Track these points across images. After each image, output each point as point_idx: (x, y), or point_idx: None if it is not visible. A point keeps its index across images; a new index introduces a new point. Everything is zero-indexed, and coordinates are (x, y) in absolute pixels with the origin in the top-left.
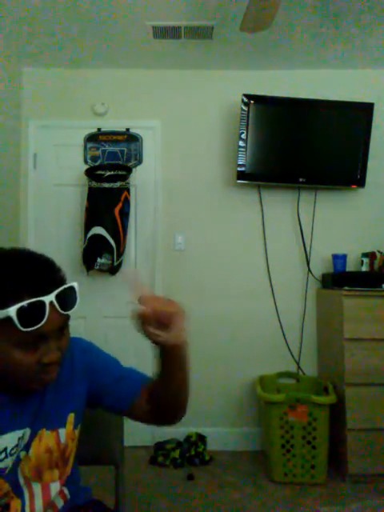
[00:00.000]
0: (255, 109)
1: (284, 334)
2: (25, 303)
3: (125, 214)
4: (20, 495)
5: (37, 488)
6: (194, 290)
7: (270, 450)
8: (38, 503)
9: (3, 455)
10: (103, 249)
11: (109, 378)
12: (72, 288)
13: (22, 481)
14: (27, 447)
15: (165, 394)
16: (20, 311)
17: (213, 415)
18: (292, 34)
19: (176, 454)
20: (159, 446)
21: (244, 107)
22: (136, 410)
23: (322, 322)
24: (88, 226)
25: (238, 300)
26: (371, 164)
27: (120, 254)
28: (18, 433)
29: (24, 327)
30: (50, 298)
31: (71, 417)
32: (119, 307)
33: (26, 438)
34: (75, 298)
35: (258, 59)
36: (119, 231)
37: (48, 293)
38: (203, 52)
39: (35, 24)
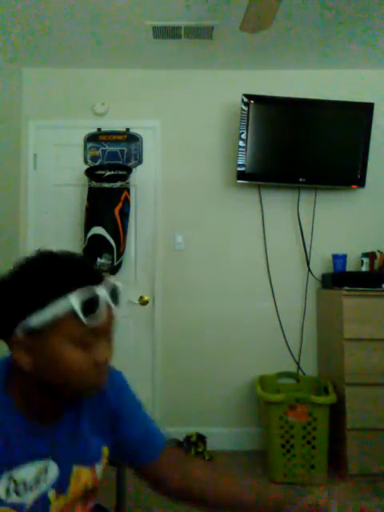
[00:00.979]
0: (255, 109)
1: (284, 334)
2: (84, 293)
3: (125, 213)
4: None
5: None
6: (194, 289)
7: (270, 449)
8: None
9: (23, 489)
10: (103, 249)
11: (132, 431)
12: (116, 285)
13: None
14: (63, 486)
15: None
16: (82, 302)
17: (213, 415)
18: (292, 34)
19: None
20: None
21: (244, 107)
22: (147, 472)
23: (321, 321)
24: (88, 225)
25: (237, 300)
26: (371, 164)
27: (120, 253)
28: (38, 464)
29: (85, 318)
30: (102, 290)
31: (105, 450)
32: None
33: (53, 472)
34: (120, 295)
35: (258, 59)
36: (119, 231)
37: (99, 284)
38: (203, 52)
39: (35, 24)
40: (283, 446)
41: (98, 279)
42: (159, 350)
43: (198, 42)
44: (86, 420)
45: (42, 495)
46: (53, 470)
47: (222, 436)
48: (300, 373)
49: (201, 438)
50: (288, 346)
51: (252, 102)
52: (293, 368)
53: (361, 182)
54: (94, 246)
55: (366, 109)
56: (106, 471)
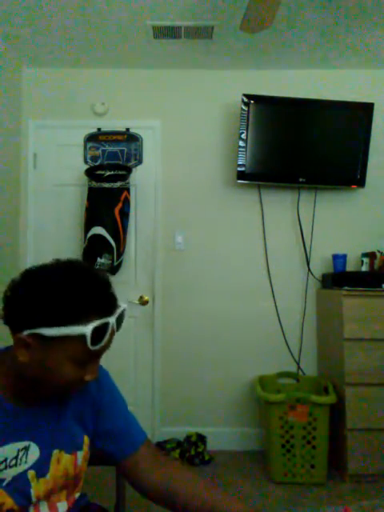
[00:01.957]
0: (255, 109)
1: (284, 334)
2: (98, 323)
3: (125, 213)
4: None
5: (43, 507)
6: (194, 289)
7: (270, 449)
8: None
9: (3, 466)
10: (103, 249)
11: (112, 423)
12: (124, 311)
13: (33, 500)
14: (43, 468)
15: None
16: (95, 330)
17: (213, 415)
18: (292, 34)
19: (176, 454)
20: (159, 446)
21: (244, 107)
22: (127, 466)
23: (321, 321)
24: (88, 225)
25: (237, 300)
26: (371, 164)
27: (120, 253)
28: (18, 444)
29: (92, 346)
30: (113, 320)
31: (86, 438)
32: None
33: (34, 454)
34: (123, 319)
35: (258, 59)
36: (119, 231)
37: (112, 314)
38: (203, 52)
39: (35, 24)
40: (283, 446)
41: (113, 308)
42: (159, 349)
43: (198, 42)
44: (69, 409)
45: (22, 474)
46: (34, 451)
47: (222, 436)
48: (300, 373)
49: (201, 438)
50: (288, 346)
51: (252, 101)
52: (293, 368)
53: (361, 182)
54: (94, 245)
55: (366, 109)
56: (87, 460)
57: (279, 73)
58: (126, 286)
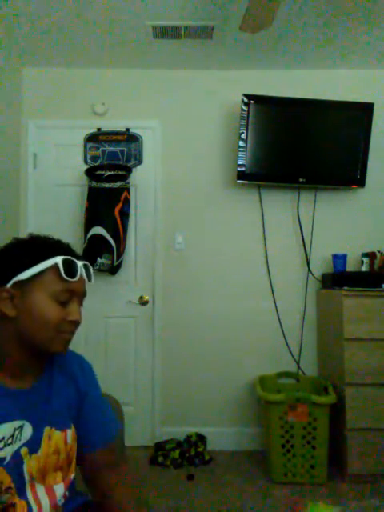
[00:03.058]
0: (255, 109)
1: (284, 334)
2: (68, 257)
3: (125, 213)
4: (23, 495)
5: (41, 490)
6: (194, 289)
7: (270, 449)
8: (45, 504)
9: (2, 444)
10: (103, 249)
11: (92, 414)
12: (88, 264)
13: (27, 478)
14: (35, 445)
15: None
16: (64, 261)
17: (213, 415)
18: (292, 34)
19: (176, 454)
20: (159, 446)
21: (244, 107)
22: (92, 460)
23: (321, 322)
24: (88, 225)
25: (237, 300)
26: (371, 164)
27: (120, 253)
28: (13, 424)
29: (67, 276)
30: (80, 263)
31: (73, 427)
32: (119, 307)
33: (27, 432)
34: (92, 274)
35: (258, 59)
36: (119, 231)
37: (78, 259)
38: (203, 52)
39: (35, 24)
40: (283, 446)
41: (76, 256)
42: (159, 349)
43: (198, 42)
44: (57, 393)
45: (16, 451)
46: (27, 429)
47: (221, 436)
48: (300, 373)
49: (201, 438)
50: (288, 346)
51: (252, 101)
52: (293, 368)
53: (361, 182)
54: (94, 245)
55: (366, 109)
56: (75, 441)
57: (279, 73)
58: (126, 286)
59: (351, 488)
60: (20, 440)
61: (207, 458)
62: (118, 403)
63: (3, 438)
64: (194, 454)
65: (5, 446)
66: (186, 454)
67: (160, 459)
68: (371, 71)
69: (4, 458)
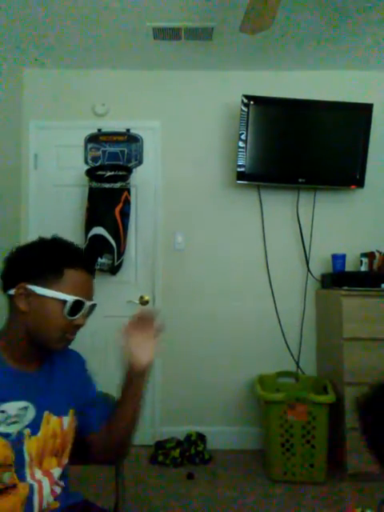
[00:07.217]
0: (255, 109)
1: (283, 334)
2: (79, 298)
3: (125, 214)
4: (22, 476)
5: (38, 473)
6: (194, 289)
7: (270, 448)
8: (45, 484)
9: (10, 420)
10: (104, 249)
11: (94, 394)
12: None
13: (27, 459)
14: (35, 427)
15: (118, 423)
16: (74, 303)
17: (212, 414)
18: (292, 35)
19: (176, 453)
20: (159, 445)
21: (244, 108)
22: (97, 437)
23: (321, 321)
24: (88, 226)
25: (237, 300)
26: (370, 164)
27: (120, 253)
28: (19, 404)
29: (70, 316)
30: (88, 303)
31: (72, 411)
32: (120, 307)
33: (31, 414)
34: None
35: (258, 60)
36: (120, 231)
37: (85, 267)
38: (203, 53)
39: (36, 25)
40: (283, 445)
41: (92, 268)
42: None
43: (197, 43)
44: (58, 379)
45: (20, 431)
46: (31, 411)
47: (221, 435)
48: (299, 372)
49: (201, 437)
50: (287, 346)
51: (252, 102)
52: (292, 367)
53: (360, 183)
54: (95, 246)
55: (366, 109)
56: (74, 430)
57: (279, 74)
58: (126, 286)
59: (350, 487)
60: (24, 421)
61: (207, 457)
62: None
63: (9, 416)
64: (194, 453)
65: (12, 423)
66: (186, 453)
67: (160, 458)
68: (370, 72)
69: (10, 434)
